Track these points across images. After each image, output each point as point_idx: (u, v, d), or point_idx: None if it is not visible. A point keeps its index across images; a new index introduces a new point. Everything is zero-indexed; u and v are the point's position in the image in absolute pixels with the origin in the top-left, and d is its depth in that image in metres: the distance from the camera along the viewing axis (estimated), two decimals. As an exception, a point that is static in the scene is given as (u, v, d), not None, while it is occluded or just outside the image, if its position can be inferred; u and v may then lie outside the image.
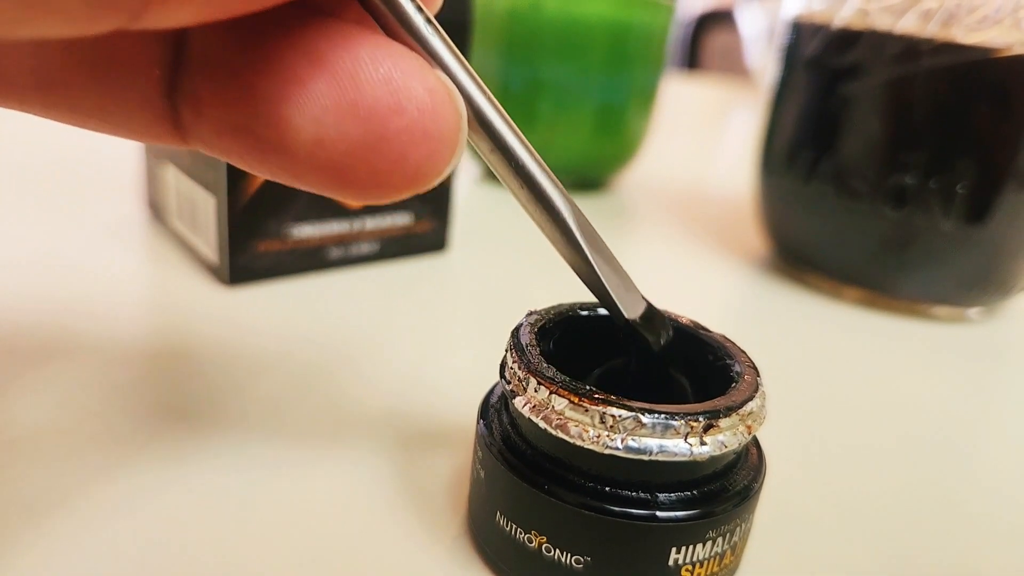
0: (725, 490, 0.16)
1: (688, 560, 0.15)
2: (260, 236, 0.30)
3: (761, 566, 0.18)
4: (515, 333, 0.17)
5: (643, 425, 0.15)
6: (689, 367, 0.19)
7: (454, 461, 0.21)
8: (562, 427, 0.15)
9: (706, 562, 0.16)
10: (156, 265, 0.32)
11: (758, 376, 0.17)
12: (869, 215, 0.33)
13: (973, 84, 0.30)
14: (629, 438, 0.15)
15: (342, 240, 0.32)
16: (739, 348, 0.18)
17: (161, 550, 0.17)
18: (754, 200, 0.39)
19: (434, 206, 0.35)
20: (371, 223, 0.33)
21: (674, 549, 0.15)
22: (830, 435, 0.25)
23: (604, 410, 0.15)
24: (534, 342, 0.17)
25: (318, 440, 0.21)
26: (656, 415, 0.15)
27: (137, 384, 0.23)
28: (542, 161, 0.15)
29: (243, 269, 0.30)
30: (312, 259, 0.32)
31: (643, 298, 0.17)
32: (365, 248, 0.33)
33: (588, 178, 0.51)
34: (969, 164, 0.30)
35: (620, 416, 0.15)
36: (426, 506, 0.19)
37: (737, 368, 0.17)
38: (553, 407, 0.15)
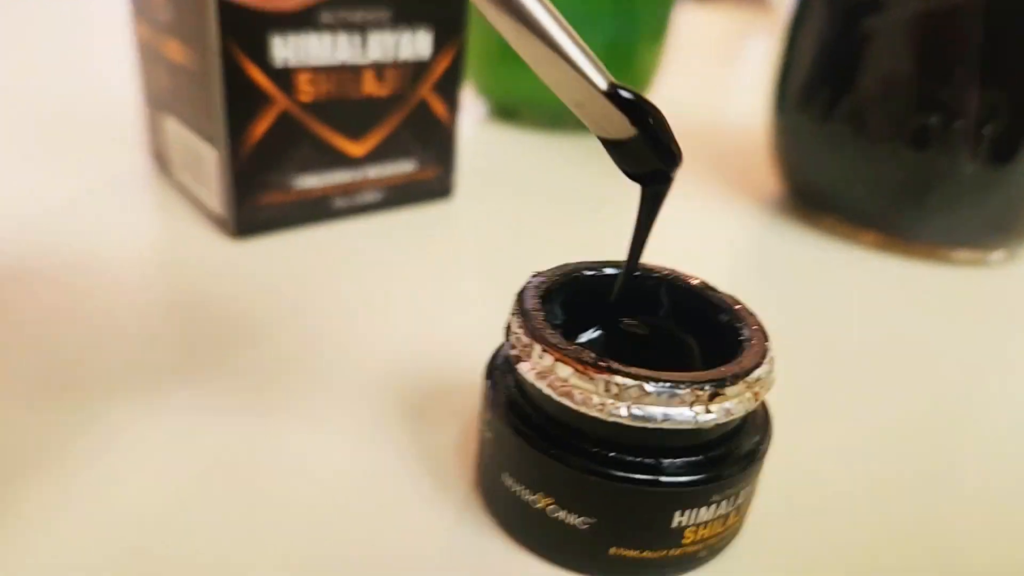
0: (730, 454, 0.16)
1: (691, 522, 0.15)
2: (264, 188, 0.29)
3: (766, 523, 0.18)
4: (520, 297, 0.17)
5: (647, 393, 0.14)
6: (697, 328, 0.18)
7: (462, 418, 0.21)
8: (567, 394, 0.15)
9: (710, 523, 0.16)
10: (162, 218, 0.32)
11: (767, 341, 0.16)
12: (889, 157, 0.32)
13: (1005, 18, 0.28)
14: (634, 406, 0.14)
15: (346, 190, 0.32)
16: (748, 310, 0.18)
17: (168, 505, 0.17)
18: (768, 139, 0.38)
19: (438, 152, 0.34)
20: (374, 172, 0.32)
21: (678, 512, 0.15)
22: (844, 384, 0.24)
23: (609, 378, 0.15)
24: (538, 306, 0.17)
25: (326, 394, 0.21)
26: (661, 383, 0.14)
27: (145, 338, 0.23)
28: None
29: (248, 222, 0.29)
30: (317, 209, 0.31)
31: (614, 82, 0.15)
32: (369, 197, 0.33)
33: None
34: (998, 104, 0.29)
35: (625, 384, 0.14)
36: (435, 463, 0.19)
37: (746, 332, 0.17)
38: (558, 374, 0.15)
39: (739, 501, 0.16)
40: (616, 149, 0.16)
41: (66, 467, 0.18)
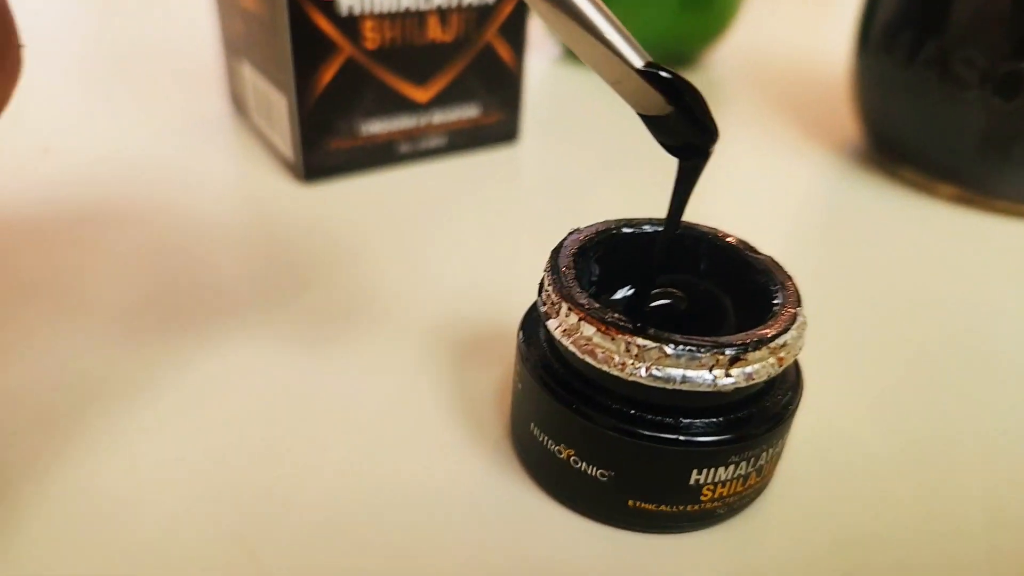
0: (753, 416, 0.16)
1: (709, 481, 0.16)
2: (331, 134, 0.30)
3: (793, 482, 0.18)
4: (554, 254, 0.18)
5: (667, 355, 0.15)
6: (733, 288, 0.18)
7: (503, 365, 0.22)
8: (590, 352, 0.15)
9: (729, 483, 0.16)
10: (239, 160, 0.33)
11: (798, 306, 0.16)
12: (975, 105, 0.30)
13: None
14: (653, 367, 0.15)
15: (411, 135, 0.32)
16: (785, 273, 0.17)
17: (231, 430, 0.19)
18: (850, 83, 0.36)
19: (503, 97, 0.34)
20: (439, 117, 0.33)
21: (695, 471, 0.16)
22: (908, 343, 0.24)
23: (630, 339, 0.15)
24: (571, 265, 0.17)
25: (379, 333, 0.23)
26: (681, 346, 0.15)
27: (218, 275, 0.25)
28: None
29: (316, 166, 0.31)
30: (382, 154, 0.32)
31: (650, 60, 0.15)
32: (434, 142, 0.33)
33: (676, 53, 0.48)
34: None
35: (645, 346, 0.15)
36: (474, 407, 0.20)
37: (779, 296, 0.17)
38: (582, 333, 0.15)
39: (761, 462, 0.16)
40: (654, 124, 0.16)
41: (145, 394, 0.20)
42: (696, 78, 0.47)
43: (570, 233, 0.18)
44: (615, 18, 0.15)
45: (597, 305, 0.16)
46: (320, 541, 0.16)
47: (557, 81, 0.46)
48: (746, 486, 0.17)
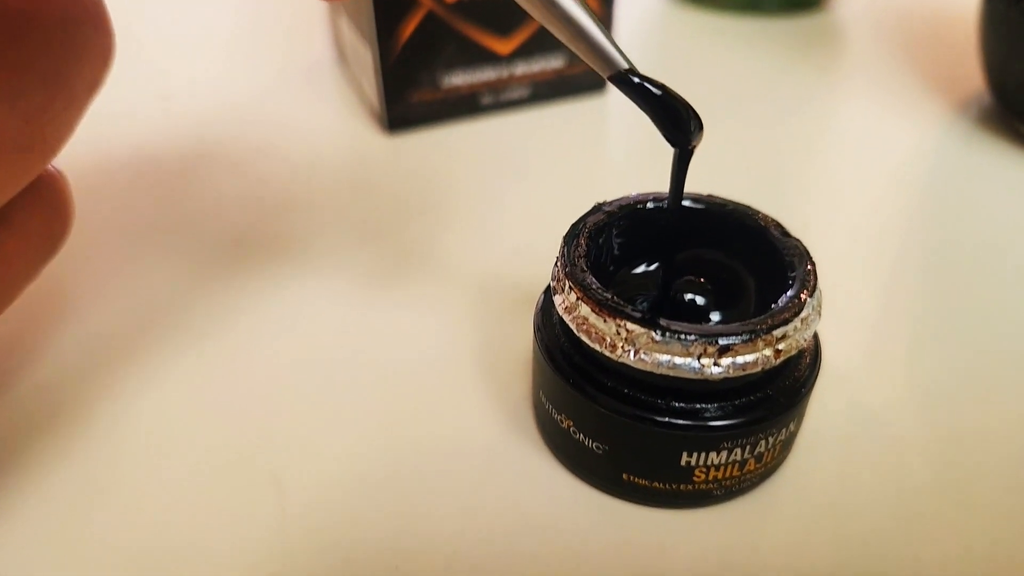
0: (755, 404, 0.16)
1: (701, 464, 0.16)
2: (413, 86, 0.31)
3: (804, 465, 0.18)
4: (571, 229, 0.18)
5: (655, 341, 0.15)
6: (758, 269, 0.18)
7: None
8: (586, 332, 0.16)
9: (724, 467, 0.16)
10: (336, 108, 0.35)
11: (811, 296, 0.16)
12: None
13: None
14: (642, 351, 0.15)
15: (493, 86, 0.33)
16: (809, 257, 0.17)
17: (271, 369, 0.21)
18: (977, 29, 0.33)
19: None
20: (522, 68, 0.33)
21: (685, 453, 0.16)
22: (1005, 324, 0.22)
23: (621, 323, 0.15)
24: (583, 243, 0.17)
25: (432, 287, 0.24)
26: (670, 333, 0.15)
27: (297, 219, 0.27)
28: None
29: (400, 117, 0.32)
30: (465, 106, 0.33)
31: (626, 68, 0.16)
32: (517, 93, 0.33)
33: (799, -6, 0.45)
34: None
35: (634, 331, 0.15)
36: (503, 367, 0.21)
37: (794, 285, 0.16)
38: (580, 312, 0.16)
39: (760, 450, 0.16)
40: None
41: (217, 325, 0.22)
42: (819, 22, 0.44)
43: (593, 208, 0.19)
44: (595, 18, 0.15)
45: (596, 285, 0.16)
46: (342, 481, 0.18)
47: (650, 29, 0.44)
48: (744, 471, 0.17)
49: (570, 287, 0.16)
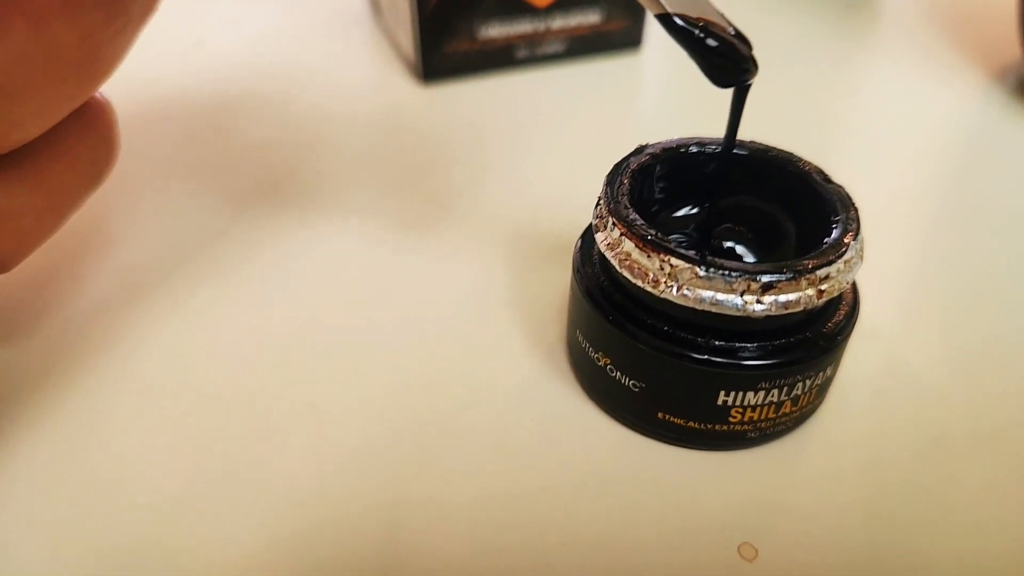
0: (794, 345, 0.16)
1: (738, 403, 0.16)
2: (449, 36, 0.31)
3: (840, 410, 0.18)
4: (614, 168, 0.18)
5: (699, 276, 0.15)
6: (800, 215, 0.18)
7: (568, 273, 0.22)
8: (628, 268, 0.16)
9: (760, 408, 0.16)
10: (370, 57, 0.35)
11: (855, 238, 0.16)
12: None
13: None
14: (685, 287, 0.15)
15: (529, 39, 0.32)
16: (852, 202, 0.17)
17: (308, 309, 0.21)
18: (1018, 1, 0.32)
19: (627, 1, 0.33)
20: (559, 22, 0.32)
21: (723, 392, 0.16)
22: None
23: (665, 258, 0.15)
24: (625, 181, 0.17)
25: (463, 234, 0.24)
26: (714, 268, 0.15)
27: (328, 167, 0.27)
28: None
29: (435, 67, 0.32)
30: (500, 58, 0.33)
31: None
32: (552, 47, 0.33)
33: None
34: None
35: (679, 266, 0.15)
36: (535, 311, 0.21)
37: (838, 227, 0.16)
38: (623, 248, 0.16)
39: (796, 392, 0.16)
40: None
41: (245, 267, 0.22)
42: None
43: (636, 150, 0.18)
44: None
45: (641, 222, 0.16)
46: (379, 415, 0.18)
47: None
48: (779, 413, 0.17)
49: (613, 223, 0.16)
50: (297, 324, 0.21)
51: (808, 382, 0.16)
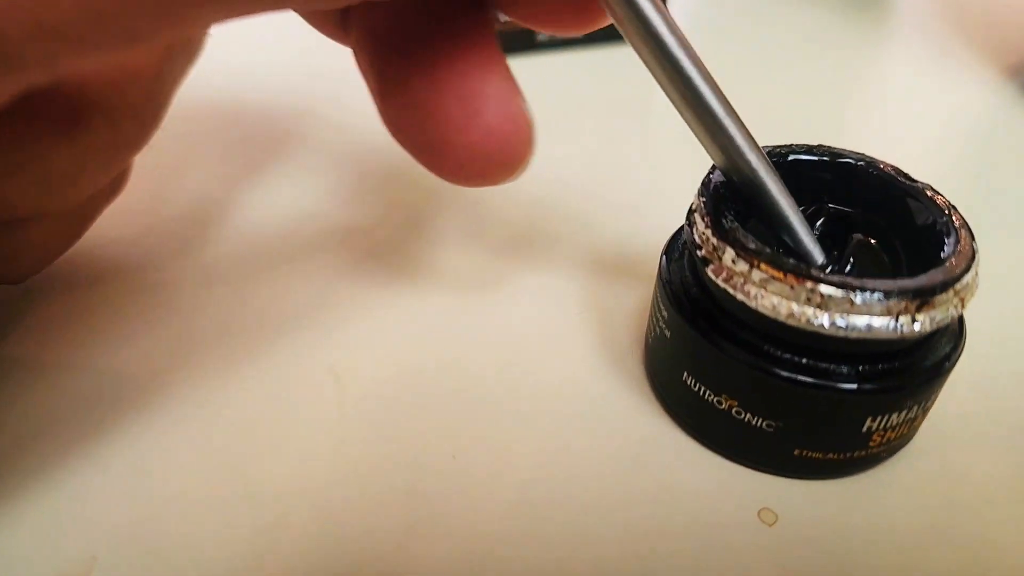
0: (922, 359, 0.15)
1: (881, 427, 0.15)
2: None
3: (941, 419, 0.18)
4: (704, 190, 0.16)
5: (853, 303, 0.14)
6: (893, 223, 0.17)
7: (640, 291, 0.21)
8: (759, 301, 0.14)
9: (899, 427, 0.16)
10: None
11: (973, 240, 0.15)
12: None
13: None
14: (837, 316, 0.14)
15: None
16: (947, 201, 0.16)
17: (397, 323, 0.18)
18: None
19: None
20: None
21: (870, 418, 0.15)
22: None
23: (813, 287, 0.14)
24: (727, 204, 0.16)
25: (520, 251, 0.23)
26: (868, 293, 0.14)
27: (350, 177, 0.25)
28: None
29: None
30: (521, 41, 0.31)
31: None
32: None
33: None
34: None
35: (830, 295, 0.14)
36: (607, 335, 0.20)
37: (951, 233, 0.15)
38: (753, 280, 0.15)
39: (928, 403, 0.16)
40: None
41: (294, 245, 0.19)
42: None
43: (712, 168, 0.17)
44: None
45: (769, 249, 0.15)
46: (450, 424, 0.17)
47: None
48: (912, 427, 0.16)
49: (737, 255, 0.15)
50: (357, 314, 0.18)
51: (938, 391, 0.16)
